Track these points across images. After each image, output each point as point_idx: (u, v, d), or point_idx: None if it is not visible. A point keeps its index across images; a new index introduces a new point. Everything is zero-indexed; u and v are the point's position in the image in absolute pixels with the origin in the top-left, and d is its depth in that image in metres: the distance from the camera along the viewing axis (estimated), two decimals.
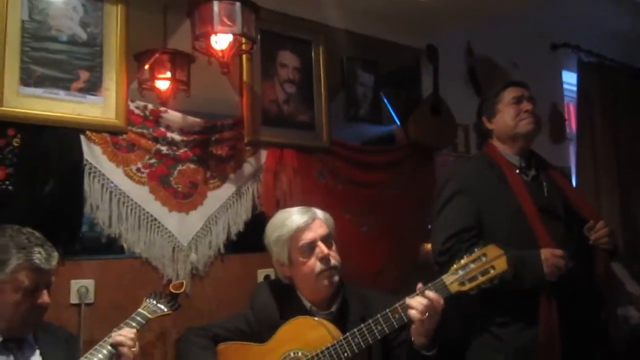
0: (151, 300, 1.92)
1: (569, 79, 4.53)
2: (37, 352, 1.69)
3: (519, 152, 2.14)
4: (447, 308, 1.72)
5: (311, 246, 1.92)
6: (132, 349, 1.66)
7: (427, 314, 1.66)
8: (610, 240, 1.98)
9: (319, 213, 2.03)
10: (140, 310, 1.84)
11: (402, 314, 1.71)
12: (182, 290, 2.01)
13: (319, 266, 1.90)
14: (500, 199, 2.03)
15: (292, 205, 2.65)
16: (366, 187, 3.05)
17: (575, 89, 4.45)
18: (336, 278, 1.93)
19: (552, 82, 4.38)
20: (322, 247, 1.92)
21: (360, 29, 3.20)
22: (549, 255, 1.89)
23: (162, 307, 1.90)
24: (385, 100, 3.32)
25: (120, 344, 1.64)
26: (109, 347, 1.65)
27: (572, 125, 4.61)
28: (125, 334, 1.68)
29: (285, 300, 1.98)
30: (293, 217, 1.98)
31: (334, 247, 1.98)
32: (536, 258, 1.89)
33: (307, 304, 1.96)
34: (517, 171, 2.09)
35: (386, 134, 3.32)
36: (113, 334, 1.68)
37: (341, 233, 2.84)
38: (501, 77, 3.74)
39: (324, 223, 2.00)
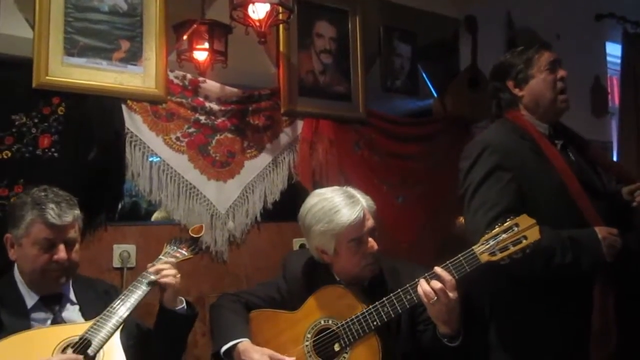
0: (172, 245, 1.95)
1: (613, 51, 4.38)
2: (77, 307, 1.76)
3: (548, 121, 1.97)
4: (466, 294, 1.69)
5: (361, 241, 1.84)
6: (175, 277, 1.75)
7: (435, 298, 1.65)
8: None
9: (364, 201, 1.89)
10: (161, 256, 1.87)
11: None
12: (202, 234, 2.02)
13: (365, 260, 1.86)
14: (541, 173, 1.86)
15: (328, 176, 2.70)
16: (402, 159, 3.04)
17: (619, 61, 4.30)
18: (377, 266, 1.90)
19: (595, 54, 4.26)
20: (372, 243, 1.85)
21: None
22: (607, 234, 1.76)
23: (183, 251, 1.94)
24: (423, 72, 3.29)
25: (160, 273, 1.74)
26: (148, 281, 1.74)
27: (614, 99, 4.48)
28: (164, 266, 1.77)
29: (318, 273, 1.98)
30: (343, 212, 1.82)
31: (376, 234, 1.89)
32: (594, 238, 1.76)
33: (338, 279, 1.94)
34: (548, 141, 1.93)
35: (423, 106, 3.30)
36: (150, 269, 1.77)
37: (377, 204, 2.84)
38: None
39: (370, 213, 1.88)
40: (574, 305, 1.81)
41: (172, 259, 1.83)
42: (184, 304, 1.82)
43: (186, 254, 1.94)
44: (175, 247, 1.94)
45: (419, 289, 1.68)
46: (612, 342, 1.80)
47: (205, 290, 2.44)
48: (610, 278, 1.81)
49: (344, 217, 1.82)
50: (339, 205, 1.84)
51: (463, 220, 3.22)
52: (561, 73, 1.96)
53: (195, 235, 2.00)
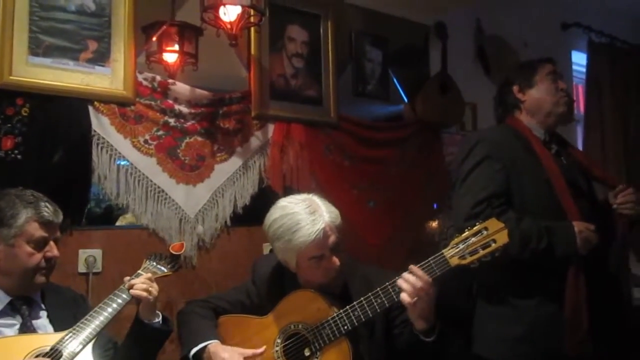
0: (151, 261, 1.91)
1: (579, 59, 4.49)
2: (44, 313, 1.71)
3: (545, 127, 2.11)
4: (442, 288, 1.71)
5: (322, 258, 1.80)
6: (150, 290, 1.71)
7: (416, 297, 1.64)
8: (633, 207, 1.96)
9: (327, 216, 1.81)
10: (139, 271, 1.83)
11: None
12: (182, 251, 1.99)
13: (328, 274, 1.83)
14: (529, 169, 2.00)
15: (299, 180, 2.70)
16: (373, 163, 3.06)
17: (584, 70, 4.41)
18: (341, 278, 1.87)
19: (561, 62, 4.27)
20: (333, 260, 1.80)
21: (370, 4, 3.19)
22: (583, 228, 1.88)
23: (162, 268, 1.90)
24: (394, 77, 3.31)
25: (135, 288, 1.70)
26: (124, 295, 1.70)
27: (580, 106, 4.58)
28: (139, 280, 1.72)
29: (287, 277, 1.96)
30: (303, 231, 1.77)
31: (340, 247, 1.85)
32: (570, 230, 1.88)
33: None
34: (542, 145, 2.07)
35: (393, 111, 3.31)
36: (127, 283, 1.73)
37: (348, 208, 2.86)
38: (511, 56, 3.72)
39: (333, 227, 1.81)
40: (550, 288, 1.91)
41: (150, 274, 1.78)
42: (160, 318, 1.78)
43: (165, 270, 1.90)
44: (154, 263, 1.91)
45: (402, 283, 1.67)
46: (583, 327, 1.88)
47: (173, 296, 2.39)
48: (582, 266, 1.90)
49: (303, 237, 1.76)
50: (300, 222, 1.78)
51: (434, 225, 3.27)
52: (561, 85, 2.11)
53: (175, 253, 1.97)
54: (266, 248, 2.67)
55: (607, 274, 2.00)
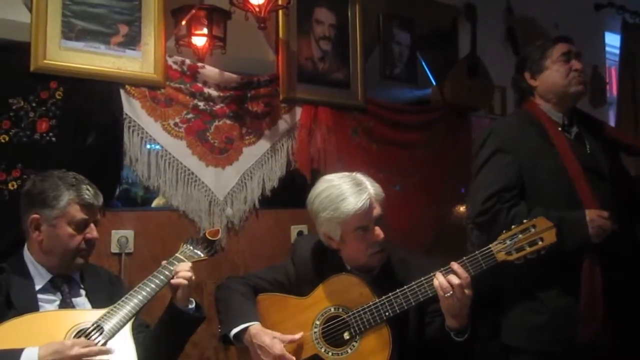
0: (188, 245, 1.94)
1: (612, 41, 4.39)
2: (83, 292, 1.76)
3: (563, 110, 2.05)
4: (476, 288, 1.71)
5: (367, 229, 1.82)
6: (192, 278, 1.74)
7: (450, 292, 1.66)
8: None
9: (372, 189, 1.85)
10: (177, 254, 1.86)
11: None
12: (218, 237, 2.01)
13: (372, 248, 1.84)
14: (543, 157, 1.96)
15: (326, 163, 2.70)
16: (400, 146, 3.04)
17: (618, 51, 4.31)
18: (384, 254, 1.89)
19: (594, 44, 4.25)
20: (378, 232, 1.82)
21: None
22: (595, 217, 1.85)
23: (199, 252, 1.92)
24: (422, 60, 3.28)
25: (179, 276, 1.73)
26: (163, 277, 1.73)
27: (613, 89, 4.49)
28: (183, 267, 1.75)
29: (327, 258, 1.96)
30: (349, 200, 1.80)
31: (383, 223, 1.87)
32: (581, 219, 1.85)
33: (348, 266, 1.93)
34: (560, 129, 2.02)
35: (421, 94, 3.29)
36: (173, 269, 1.76)
37: None
38: (541, 38, 3.64)
39: (377, 201, 1.85)
40: (570, 278, 1.89)
41: (191, 263, 1.79)
42: (194, 305, 1.81)
43: (202, 255, 1.92)
44: (191, 247, 1.93)
45: (435, 281, 1.69)
46: (597, 317, 1.86)
47: (203, 277, 2.43)
48: (598, 256, 1.87)
49: (350, 205, 1.80)
50: (345, 192, 1.82)
51: (462, 209, 3.25)
52: (576, 65, 2.03)
53: (211, 238, 1.99)
54: (294, 231, 2.70)
55: (626, 263, 1.94)
